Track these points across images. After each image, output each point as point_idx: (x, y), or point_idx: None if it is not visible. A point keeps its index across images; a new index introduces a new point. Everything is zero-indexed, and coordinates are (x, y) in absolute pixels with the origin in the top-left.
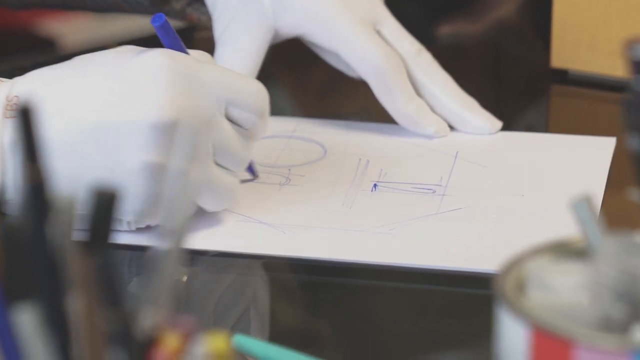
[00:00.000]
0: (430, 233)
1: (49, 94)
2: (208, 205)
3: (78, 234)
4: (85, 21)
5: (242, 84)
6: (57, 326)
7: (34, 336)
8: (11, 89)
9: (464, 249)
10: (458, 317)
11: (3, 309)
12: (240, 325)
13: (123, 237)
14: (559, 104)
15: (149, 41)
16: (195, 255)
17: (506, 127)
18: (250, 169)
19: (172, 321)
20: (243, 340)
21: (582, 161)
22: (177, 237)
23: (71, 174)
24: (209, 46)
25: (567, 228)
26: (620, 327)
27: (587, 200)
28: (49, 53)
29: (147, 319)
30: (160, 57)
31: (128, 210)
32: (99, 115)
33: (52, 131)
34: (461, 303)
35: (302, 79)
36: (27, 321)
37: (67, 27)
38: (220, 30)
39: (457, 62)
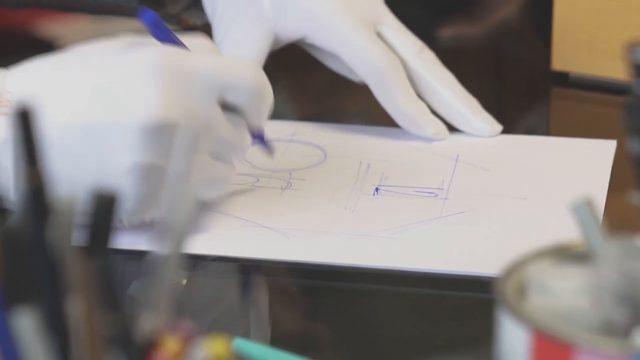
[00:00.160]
0: (433, 237)
1: (39, 91)
2: (202, 194)
3: (78, 237)
4: (85, 23)
5: (235, 68)
6: (57, 329)
7: (34, 339)
8: (2, 82)
9: (466, 253)
10: (459, 321)
11: (3, 312)
12: (240, 329)
13: (123, 241)
14: (559, 106)
15: None
16: (196, 260)
17: (507, 130)
18: (263, 143)
19: (172, 325)
20: (243, 345)
21: (583, 164)
22: (178, 241)
23: (61, 174)
24: None
25: (568, 231)
26: (621, 331)
27: (588, 204)
28: (48, 54)
29: (147, 322)
30: (150, 56)
31: (120, 209)
32: (90, 116)
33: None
34: (462, 307)
35: (302, 82)
36: (26, 324)
37: (67, 28)
38: (221, 35)
39: (458, 64)
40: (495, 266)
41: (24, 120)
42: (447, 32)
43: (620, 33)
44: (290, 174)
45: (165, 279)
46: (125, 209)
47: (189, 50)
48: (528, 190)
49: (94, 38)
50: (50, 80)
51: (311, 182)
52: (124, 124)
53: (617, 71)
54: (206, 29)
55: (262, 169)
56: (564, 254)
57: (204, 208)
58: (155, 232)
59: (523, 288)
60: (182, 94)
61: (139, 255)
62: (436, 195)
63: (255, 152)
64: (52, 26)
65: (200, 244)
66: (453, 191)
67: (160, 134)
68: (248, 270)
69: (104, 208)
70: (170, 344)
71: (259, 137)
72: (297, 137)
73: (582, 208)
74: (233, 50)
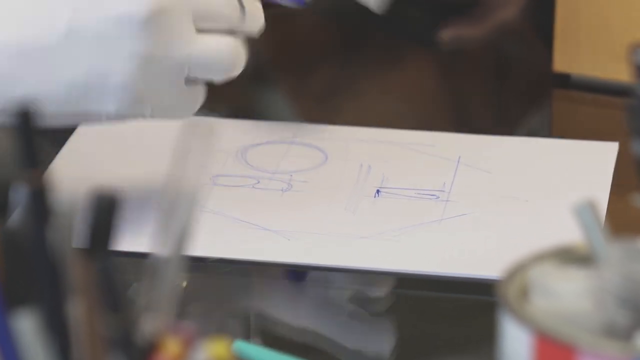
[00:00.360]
0: (435, 239)
1: None
2: (213, 76)
3: (78, 239)
4: None
5: None
6: (58, 331)
7: (34, 341)
8: None
9: (468, 255)
10: (461, 323)
11: (3, 314)
12: (241, 332)
13: (124, 243)
14: (561, 108)
15: None
16: (197, 262)
17: (508, 132)
18: None
19: (173, 327)
20: (244, 347)
21: (585, 166)
22: (179, 243)
23: (61, 75)
24: None
25: (569, 233)
26: (624, 334)
27: (590, 206)
28: None
29: (148, 324)
30: None
31: (112, 99)
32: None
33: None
34: (465, 309)
35: (302, 83)
36: (27, 326)
37: None
38: None
39: (460, 66)
40: (496, 268)
41: (24, 121)
42: (448, 34)
43: (622, 34)
44: (291, 175)
45: (166, 281)
46: (117, 100)
47: None
48: (530, 193)
49: None
50: None
51: (312, 184)
52: (120, 17)
53: (619, 73)
54: None
55: (262, 171)
56: (566, 256)
57: (204, 209)
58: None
59: (525, 290)
60: None
61: (140, 257)
62: (437, 197)
63: (256, 154)
64: None
65: (201, 246)
66: (454, 193)
67: (158, 23)
68: (249, 272)
69: (104, 210)
70: (171, 346)
71: None
72: (298, 138)
73: (585, 210)
74: None
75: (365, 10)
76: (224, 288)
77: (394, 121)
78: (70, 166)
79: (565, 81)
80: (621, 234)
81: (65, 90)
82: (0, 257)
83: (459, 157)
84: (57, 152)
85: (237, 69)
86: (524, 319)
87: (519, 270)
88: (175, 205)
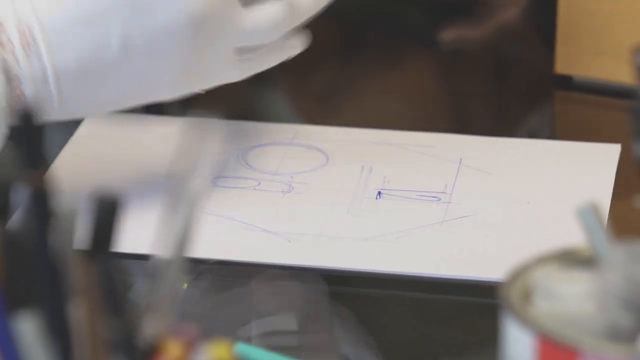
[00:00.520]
0: (436, 241)
1: None
2: (266, 40)
3: (80, 241)
4: None
5: None
6: (59, 334)
7: (36, 344)
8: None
9: (469, 257)
10: (463, 326)
11: (4, 317)
12: (242, 334)
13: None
14: (563, 110)
15: None
16: (198, 264)
17: (510, 134)
18: None
19: (174, 329)
20: (245, 349)
21: (587, 168)
22: (180, 245)
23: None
24: None
25: (571, 235)
26: (627, 337)
27: (593, 208)
28: None
29: (150, 326)
30: None
31: (165, 95)
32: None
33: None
34: (467, 311)
35: (302, 83)
36: (28, 328)
37: None
38: None
39: (460, 66)
40: (498, 270)
41: (26, 121)
42: (449, 34)
43: (624, 36)
44: (292, 177)
45: (168, 283)
46: (170, 71)
47: None
48: (532, 195)
49: None
50: None
51: (313, 186)
52: (168, 27)
53: (621, 74)
54: None
55: (263, 172)
56: (569, 258)
57: (205, 211)
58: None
59: (528, 293)
60: None
61: (141, 258)
62: (439, 199)
63: (256, 155)
64: None
65: (202, 248)
66: (456, 195)
67: (203, 26)
68: (251, 274)
69: (106, 211)
70: (173, 349)
71: None
72: (298, 140)
73: (588, 213)
74: None
75: (365, 10)
76: (225, 290)
77: (394, 121)
78: (72, 167)
79: (567, 83)
80: (624, 236)
81: (121, 101)
82: (1, 258)
83: (461, 159)
84: (58, 153)
85: (292, 26)
86: (527, 322)
87: (521, 272)
88: (176, 206)
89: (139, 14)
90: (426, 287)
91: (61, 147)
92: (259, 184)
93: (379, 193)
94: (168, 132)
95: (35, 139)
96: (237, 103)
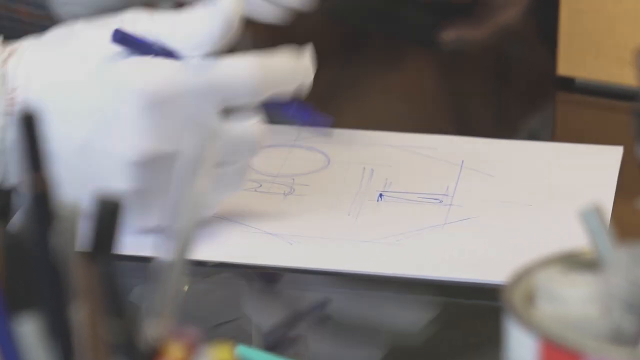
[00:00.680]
0: (438, 243)
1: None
2: (240, 158)
3: (81, 243)
4: None
5: (231, 74)
6: (60, 336)
7: (37, 346)
8: (9, 77)
9: (472, 260)
10: (465, 329)
11: (5, 319)
12: (244, 336)
13: (127, 247)
14: (565, 112)
15: None
16: (200, 266)
17: (511, 135)
18: (319, 123)
19: (176, 332)
20: (246, 351)
21: (589, 171)
22: (182, 247)
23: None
24: None
25: (573, 238)
26: (630, 339)
27: (596, 211)
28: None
29: (151, 329)
30: (140, 82)
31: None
32: (86, 138)
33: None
34: (469, 314)
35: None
36: (29, 331)
37: None
38: None
39: (460, 66)
40: (500, 273)
41: (28, 125)
42: (449, 35)
43: (627, 38)
44: (293, 179)
45: (169, 285)
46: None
47: (175, 56)
48: (534, 197)
49: None
50: (58, 86)
51: (314, 188)
52: (115, 155)
53: (624, 76)
54: None
55: (264, 175)
56: (572, 261)
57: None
58: (160, 237)
59: (531, 295)
60: (176, 119)
61: (142, 260)
62: (441, 201)
63: (258, 157)
64: None
65: (203, 250)
66: (458, 197)
67: (152, 165)
68: (252, 276)
69: (107, 213)
70: (174, 351)
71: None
72: (300, 142)
73: (591, 215)
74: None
75: (365, 10)
76: (227, 292)
77: (394, 122)
78: None
79: (569, 85)
80: (627, 238)
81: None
82: (2, 260)
83: (463, 161)
84: None
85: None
86: (530, 325)
87: (524, 275)
88: (178, 209)
89: (103, 127)
90: (428, 289)
91: None
92: (260, 185)
93: (381, 195)
94: None
95: (37, 141)
96: None
